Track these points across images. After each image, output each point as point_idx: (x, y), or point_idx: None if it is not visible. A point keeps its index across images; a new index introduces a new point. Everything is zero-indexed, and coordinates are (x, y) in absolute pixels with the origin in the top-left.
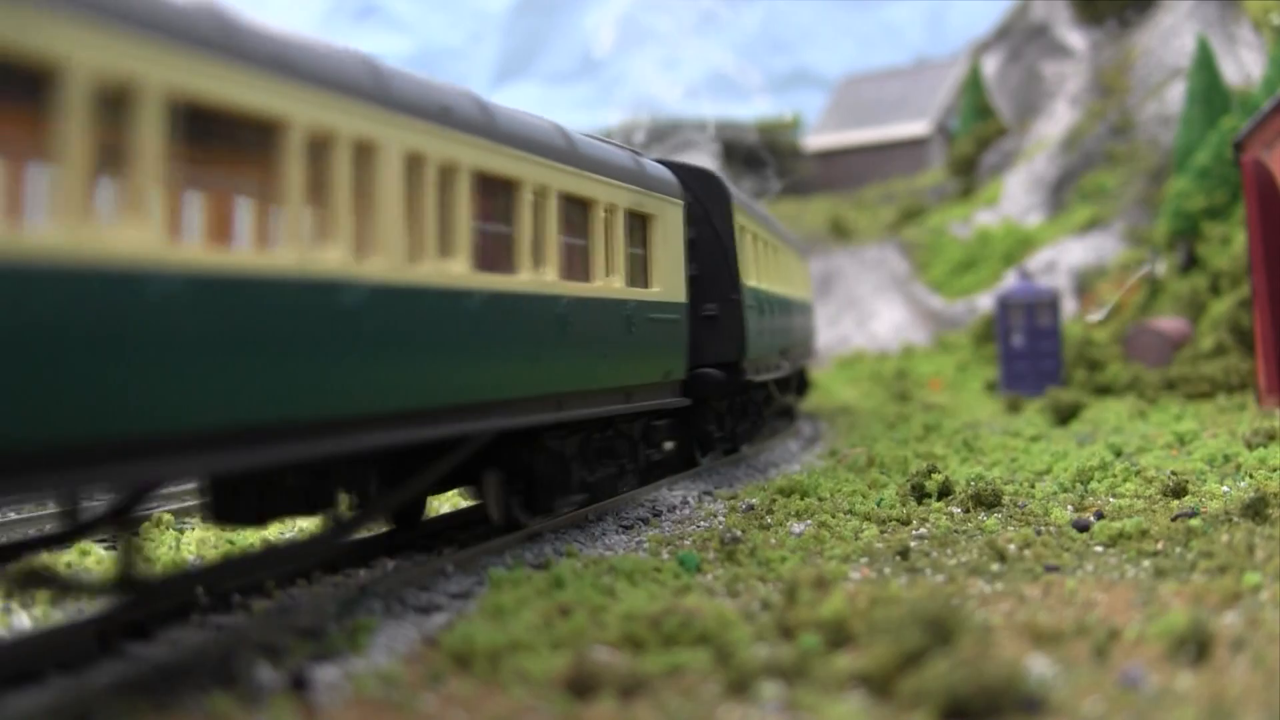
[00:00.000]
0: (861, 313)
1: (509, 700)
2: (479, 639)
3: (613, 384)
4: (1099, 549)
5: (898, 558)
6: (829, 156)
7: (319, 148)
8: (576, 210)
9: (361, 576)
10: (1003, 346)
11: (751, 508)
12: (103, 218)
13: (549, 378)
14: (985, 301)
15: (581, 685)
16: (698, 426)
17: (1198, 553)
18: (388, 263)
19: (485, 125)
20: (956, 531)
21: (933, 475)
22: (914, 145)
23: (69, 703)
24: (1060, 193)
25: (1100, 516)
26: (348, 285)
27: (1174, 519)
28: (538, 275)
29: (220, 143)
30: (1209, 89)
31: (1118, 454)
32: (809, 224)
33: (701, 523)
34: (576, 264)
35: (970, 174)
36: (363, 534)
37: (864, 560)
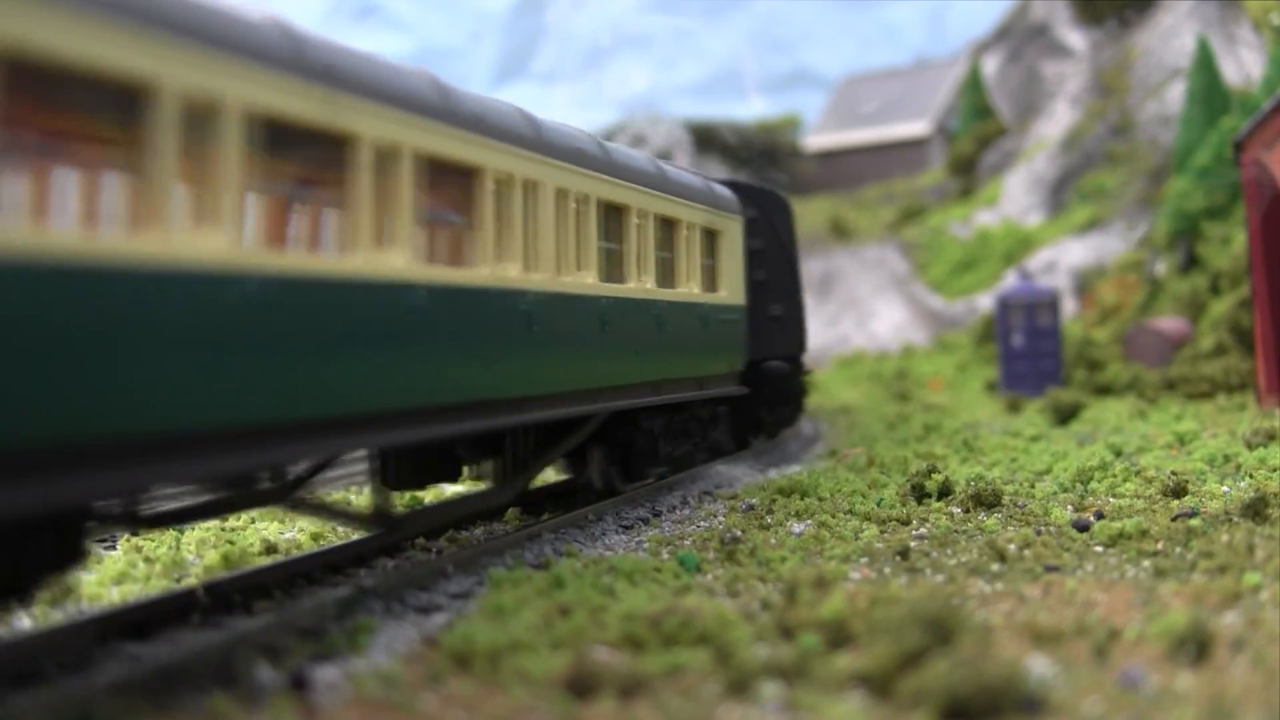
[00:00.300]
0: (861, 313)
1: (509, 700)
2: (479, 639)
3: (691, 374)
4: (1099, 549)
5: (898, 558)
6: (829, 156)
7: (503, 188)
8: (666, 229)
9: (361, 576)
10: (1003, 346)
11: (751, 508)
12: (384, 246)
13: (648, 368)
14: (985, 301)
15: (581, 685)
16: (751, 412)
17: (1198, 553)
18: (545, 275)
19: (606, 163)
20: (956, 531)
21: (933, 475)
22: (914, 145)
23: (69, 703)
24: (1060, 193)
25: (1100, 516)
26: (523, 293)
27: (1174, 519)
28: (641, 283)
29: (444, 187)
30: (1209, 89)
31: (1118, 454)
32: (809, 224)
33: (701, 523)
34: (667, 274)
35: (970, 174)
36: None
37: (864, 560)
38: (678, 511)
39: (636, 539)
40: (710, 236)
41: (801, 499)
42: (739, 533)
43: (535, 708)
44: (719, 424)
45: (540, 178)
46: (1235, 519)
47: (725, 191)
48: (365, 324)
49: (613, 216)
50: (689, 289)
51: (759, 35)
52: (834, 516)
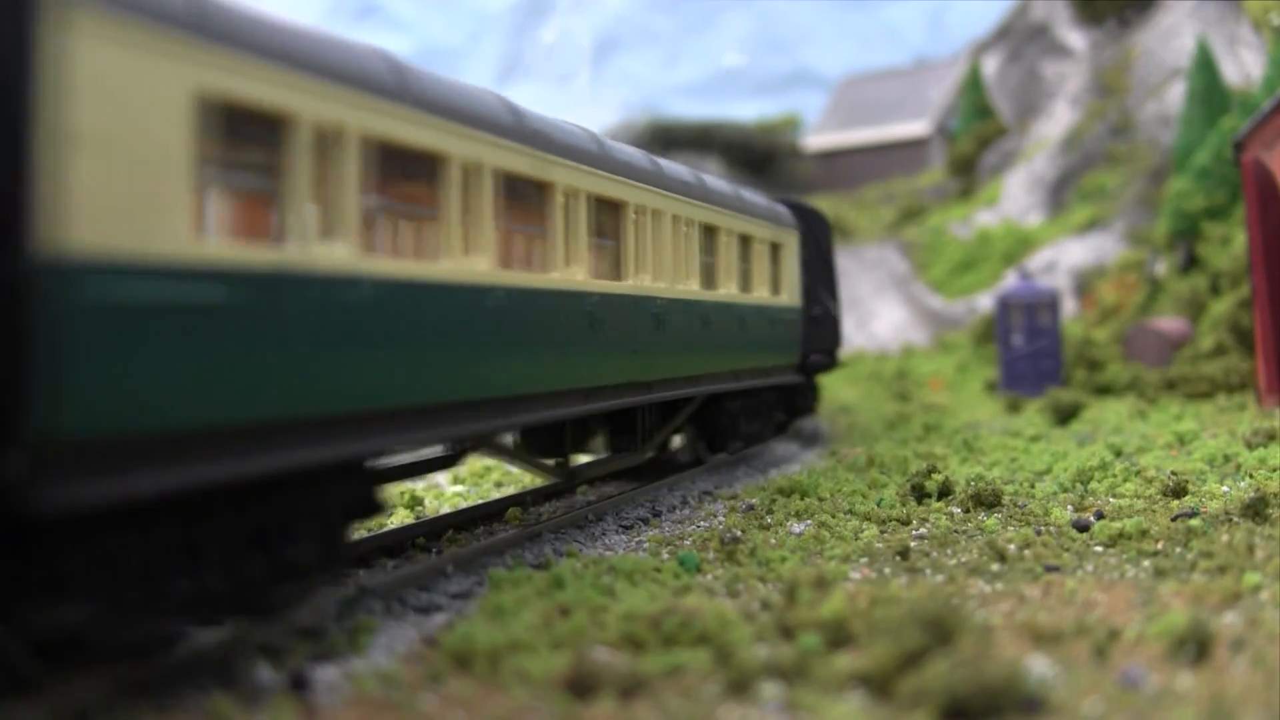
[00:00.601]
0: (861, 313)
1: (509, 700)
2: (479, 639)
3: (761, 365)
4: (1099, 549)
5: (898, 558)
6: (829, 156)
7: (640, 216)
8: (744, 244)
9: (361, 576)
10: (1003, 346)
11: (751, 508)
12: (570, 265)
13: (734, 359)
14: (985, 301)
15: (581, 685)
16: (792, 400)
17: (1198, 553)
18: (666, 284)
19: (704, 192)
20: (956, 531)
21: (933, 475)
22: (914, 145)
23: (69, 703)
24: (1060, 193)
25: (1100, 516)
26: (654, 298)
27: (1174, 519)
28: (728, 290)
29: (604, 218)
30: (1209, 89)
31: (1118, 454)
32: None
33: (701, 523)
34: (745, 281)
35: (970, 174)
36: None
37: (864, 560)
38: (678, 511)
39: (636, 539)
40: (775, 249)
41: (801, 499)
42: (739, 533)
43: (535, 708)
44: (776, 408)
45: (662, 208)
46: (1235, 519)
47: (784, 210)
48: (565, 323)
49: (708, 235)
50: (761, 294)
51: (759, 35)
52: (834, 516)
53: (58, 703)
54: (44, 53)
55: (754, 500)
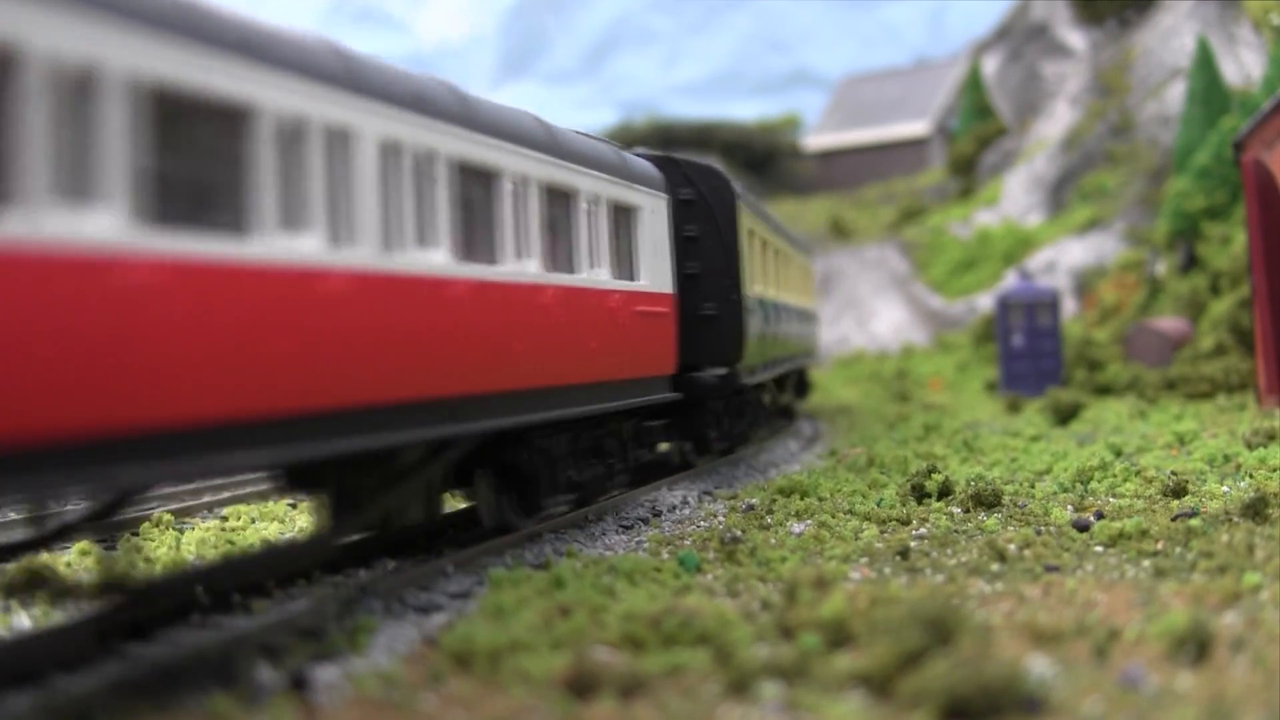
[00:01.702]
0: (861, 313)
1: (509, 700)
2: (479, 639)
3: (811, 348)
4: (1099, 549)
5: (898, 558)
6: (829, 156)
7: (771, 251)
8: (801, 269)
9: (361, 576)
10: (1003, 346)
11: (751, 508)
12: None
13: (806, 344)
14: (985, 301)
15: (581, 685)
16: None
17: (1198, 553)
18: (782, 292)
19: (788, 235)
20: (956, 531)
21: (933, 475)
22: (914, 145)
23: (69, 703)
24: (1060, 193)
25: (1100, 516)
26: (790, 305)
27: (1174, 519)
28: (795, 297)
29: (769, 256)
30: (1209, 89)
31: (1118, 454)
32: (809, 224)
33: (701, 523)
34: (802, 291)
35: (970, 174)
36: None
37: (864, 560)
38: (678, 511)
39: (636, 539)
40: (806, 270)
41: (801, 499)
42: (739, 533)
43: (535, 708)
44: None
45: (779, 245)
46: (1235, 519)
47: (805, 241)
48: (783, 319)
49: (786, 263)
50: (807, 301)
51: (759, 35)
52: (834, 516)
53: (58, 701)
54: (738, 219)
55: (754, 500)
